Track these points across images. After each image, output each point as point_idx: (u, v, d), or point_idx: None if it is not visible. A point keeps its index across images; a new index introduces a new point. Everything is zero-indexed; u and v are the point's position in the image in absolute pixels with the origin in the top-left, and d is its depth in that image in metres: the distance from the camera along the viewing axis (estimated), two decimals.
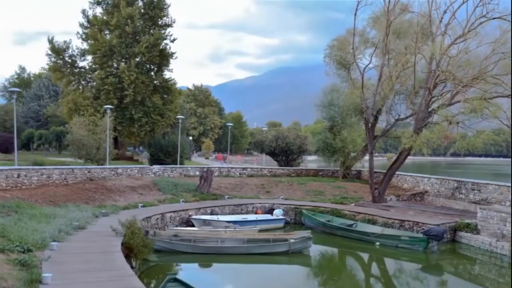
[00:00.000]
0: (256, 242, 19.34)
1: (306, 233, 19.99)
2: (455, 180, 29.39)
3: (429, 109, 27.66)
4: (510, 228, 19.73)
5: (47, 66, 54.02)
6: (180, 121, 45.29)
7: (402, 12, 28.47)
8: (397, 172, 31.48)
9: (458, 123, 26.68)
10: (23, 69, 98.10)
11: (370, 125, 29.82)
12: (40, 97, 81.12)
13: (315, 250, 20.55)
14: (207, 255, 18.47)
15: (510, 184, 24.46)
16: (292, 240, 19.19)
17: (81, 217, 18.40)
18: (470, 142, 28.69)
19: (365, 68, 30.50)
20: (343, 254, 21.93)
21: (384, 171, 31.06)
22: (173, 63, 51.08)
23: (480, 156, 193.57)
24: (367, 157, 32.76)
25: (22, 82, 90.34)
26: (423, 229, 21.45)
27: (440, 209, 25.75)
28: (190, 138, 75.83)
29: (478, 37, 26.19)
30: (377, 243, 21.33)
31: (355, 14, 29.04)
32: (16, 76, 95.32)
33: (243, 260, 18.47)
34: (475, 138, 29.02)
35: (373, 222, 23.72)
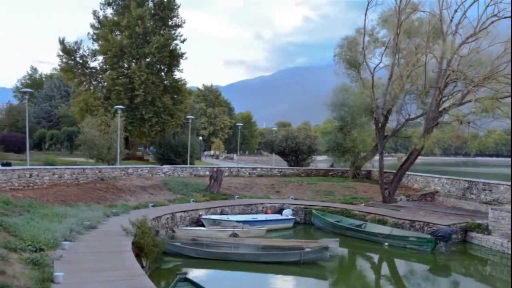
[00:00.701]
0: (269, 249, 18.64)
1: (333, 242, 19.02)
2: (466, 180, 29.21)
3: (440, 109, 27.51)
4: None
5: (58, 67, 54.52)
6: (190, 121, 45.44)
7: (413, 11, 28.36)
8: (407, 172, 31.34)
9: (469, 123, 26.52)
10: (35, 69, 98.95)
11: (380, 125, 29.71)
12: (51, 97, 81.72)
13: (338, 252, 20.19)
14: (218, 261, 18.04)
15: None
16: (307, 249, 18.16)
17: (92, 216, 18.53)
18: (482, 142, 28.48)
19: (375, 67, 30.45)
20: (352, 254, 21.83)
21: (394, 171, 30.95)
22: (183, 63, 51.52)
23: (491, 156, 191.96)
24: (377, 157, 32.65)
25: (34, 82, 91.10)
26: (433, 229, 21.36)
27: (451, 210, 25.59)
28: (200, 138, 76.03)
29: (490, 36, 25.96)
30: (386, 244, 21.27)
31: (366, 14, 29.01)
32: (28, 77, 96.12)
33: (252, 267, 17.93)
34: (486, 138, 28.79)
35: (383, 223, 23.63)
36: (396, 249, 20.91)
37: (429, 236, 20.73)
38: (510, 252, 19.31)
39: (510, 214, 20.17)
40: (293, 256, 17.96)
